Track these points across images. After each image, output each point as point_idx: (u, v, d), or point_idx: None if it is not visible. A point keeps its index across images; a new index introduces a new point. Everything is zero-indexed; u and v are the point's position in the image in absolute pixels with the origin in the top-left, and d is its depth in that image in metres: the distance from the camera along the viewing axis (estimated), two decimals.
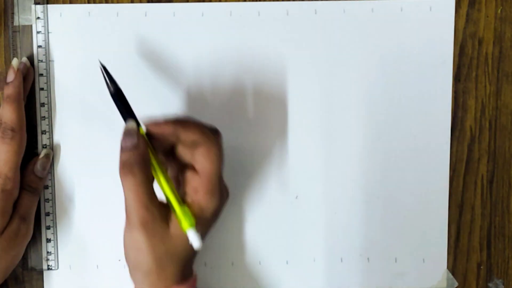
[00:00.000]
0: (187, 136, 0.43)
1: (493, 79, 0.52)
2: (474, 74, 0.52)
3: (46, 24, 0.51)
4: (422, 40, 0.52)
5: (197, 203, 0.44)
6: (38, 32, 0.51)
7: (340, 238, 0.53)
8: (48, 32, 0.51)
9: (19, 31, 0.51)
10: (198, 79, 0.51)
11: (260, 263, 0.53)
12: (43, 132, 0.51)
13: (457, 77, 0.52)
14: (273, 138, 0.52)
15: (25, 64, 0.49)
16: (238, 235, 0.52)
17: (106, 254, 0.52)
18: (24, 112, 0.48)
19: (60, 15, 0.51)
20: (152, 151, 0.44)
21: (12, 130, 0.47)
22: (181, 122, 0.44)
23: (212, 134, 0.44)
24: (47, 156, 0.50)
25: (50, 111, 0.51)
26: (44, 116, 0.51)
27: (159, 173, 0.44)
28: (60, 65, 0.51)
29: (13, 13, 0.51)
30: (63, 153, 0.51)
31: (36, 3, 0.51)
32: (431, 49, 0.52)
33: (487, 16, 0.52)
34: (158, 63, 0.51)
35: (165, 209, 0.44)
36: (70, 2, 0.51)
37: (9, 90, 0.48)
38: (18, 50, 0.51)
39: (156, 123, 0.44)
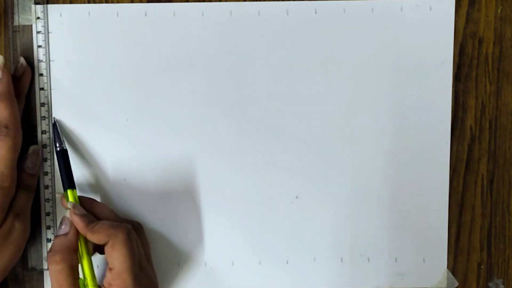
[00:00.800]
0: (95, 238, 0.46)
1: (493, 79, 0.52)
2: (474, 73, 0.52)
3: (46, 24, 0.51)
4: (422, 40, 0.52)
5: None
6: (38, 32, 0.51)
7: (340, 238, 0.53)
8: (48, 32, 0.51)
9: (19, 31, 0.51)
10: (197, 79, 0.51)
11: (260, 263, 0.53)
12: (43, 132, 0.51)
13: (457, 77, 0.52)
14: (272, 138, 0.52)
15: (22, 63, 0.49)
16: (238, 235, 0.52)
17: None
18: (17, 109, 0.48)
19: (60, 15, 0.51)
20: (83, 238, 0.47)
21: (6, 127, 0.47)
22: (89, 225, 0.46)
23: (121, 232, 0.46)
24: (35, 152, 0.50)
25: (50, 111, 0.51)
26: (44, 116, 0.51)
27: (84, 259, 0.47)
28: (60, 65, 0.51)
29: (13, 13, 0.51)
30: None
31: (36, 3, 0.51)
32: (431, 49, 0.52)
33: (487, 16, 0.52)
34: (157, 62, 0.51)
35: None
36: (70, 2, 0.51)
37: None
38: (18, 50, 0.51)
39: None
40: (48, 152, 0.51)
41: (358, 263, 0.53)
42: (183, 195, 0.52)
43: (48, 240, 0.52)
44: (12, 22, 0.51)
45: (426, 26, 0.51)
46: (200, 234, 0.52)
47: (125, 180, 0.52)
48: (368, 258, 0.53)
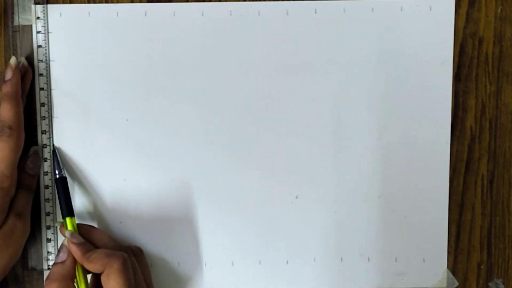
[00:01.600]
0: (91, 267, 0.46)
1: (493, 79, 0.52)
2: (474, 73, 0.52)
3: (46, 24, 0.51)
4: (422, 40, 0.51)
5: None
6: (38, 32, 0.51)
7: (340, 237, 0.53)
8: (48, 32, 0.51)
9: (19, 31, 0.51)
10: (197, 78, 0.51)
11: (260, 263, 0.53)
12: (43, 132, 0.51)
13: (457, 77, 0.52)
14: (272, 138, 0.52)
15: (23, 63, 0.49)
16: (238, 235, 0.52)
17: None
18: (22, 110, 0.49)
19: (60, 15, 0.51)
20: (81, 265, 0.47)
21: (10, 128, 0.47)
22: (86, 254, 0.47)
23: (116, 261, 0.45)
24: (36, 153, 0.50)
25: (50, 111, 0.51)
26: (44, 116, 0.51)
27: (81, 286, 0.47)
28: (60, 65, 0.51)
29: (13, 13, 0.51)
30: (63, 153, 0.52)
31: (36, 3, 0.51)
32: (431, 49, 0.52)
33: (487, 16, 0.52)
34: (157, 62, 0.51)
35: None
36: (70, 2, 0.51)
37: (7, 88, 0.48)
38: (18, 50, 0.51)
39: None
40: (48, 152, 0.51)
41: (358, 263, 0.53)
42: (183, 195, 0.52)
43: (48, 240, 0.52)
44: (12, 22, 0.51)
45: (426, 26, 0.51)
46: (200, 234, 0.52)
47: (124, 180, 0.52)
48: (368, 258, 0.53)
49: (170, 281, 0.53)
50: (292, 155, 0.52)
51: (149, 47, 0.51)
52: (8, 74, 0.48)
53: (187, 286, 0.53)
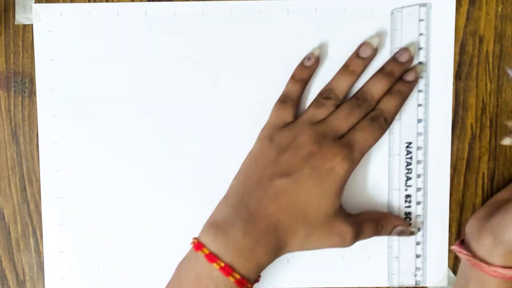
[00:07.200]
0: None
1: (494, 77, 0.52)
2: (474, 72, 0.52)
3: (46, 23, 0.51)
4: (422, 39, 0.51)
5: None
6: (38, 32, 0.51)
7: None
8: (48, 32, 0.51)
9: (19, 30, 0.51)
10: (198, 78, 0.52)
11: None
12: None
13: (458, 75, 0.52)
14: None
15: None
16: None
17: (108, 253, 0.52)
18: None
19: (60, 15, 0.51)
20: None
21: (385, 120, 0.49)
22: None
23: None
24: None
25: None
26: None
27: None
28: (60, 64, 0.51)
29: (13, 13, 0.51)
30: (63, 153, 0.52)
31: (36, 2, 0.51)
32: (431, 48, 0.52)
33: (488, 14, 0.52)
34: (157, 61, 0.51)
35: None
36: (71, 1, 0.51)
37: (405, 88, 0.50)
38: (20, 49, 0.51)
39: None
40: None
41: (358, 262, 0.53)
42: (183, 194, 0.52)
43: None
44: (13, 22, 0.51)
45: (426, 25, 0.51)
46: None
47: (125, 179, 0.52)
48: (368, 257, 0.53)
49: None
50: None
51: (150, 46, 0.51)
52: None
53: None
